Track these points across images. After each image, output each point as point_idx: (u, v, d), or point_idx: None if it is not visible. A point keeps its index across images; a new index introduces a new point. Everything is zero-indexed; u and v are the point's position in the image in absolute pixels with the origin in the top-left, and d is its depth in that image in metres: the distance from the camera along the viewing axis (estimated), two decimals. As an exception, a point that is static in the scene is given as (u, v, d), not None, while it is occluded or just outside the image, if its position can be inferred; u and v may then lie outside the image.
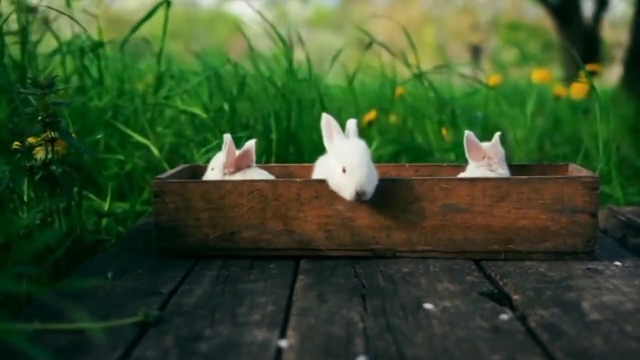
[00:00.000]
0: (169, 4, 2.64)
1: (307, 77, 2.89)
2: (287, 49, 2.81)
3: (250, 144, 1.83)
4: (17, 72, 2.24)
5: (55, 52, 2.57)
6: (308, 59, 2.85)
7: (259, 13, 2.78)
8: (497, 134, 1.78)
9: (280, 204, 1.64)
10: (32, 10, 2.52)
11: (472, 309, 1.28)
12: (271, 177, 1.82)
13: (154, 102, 2.65)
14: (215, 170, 1.82)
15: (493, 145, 1.77)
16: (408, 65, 2.91)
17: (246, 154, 1.81)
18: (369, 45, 2.97)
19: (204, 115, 2.55)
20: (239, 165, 1.81)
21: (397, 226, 1.63)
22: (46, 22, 2.62)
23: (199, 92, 2.83)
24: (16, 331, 1.10)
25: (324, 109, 2.87)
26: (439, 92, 3.01)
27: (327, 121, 1.71)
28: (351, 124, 1.75)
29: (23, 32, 2.31)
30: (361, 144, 1.65)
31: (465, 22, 19.84)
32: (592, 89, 2.22)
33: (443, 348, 1.09)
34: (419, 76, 2.92)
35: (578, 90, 3.59)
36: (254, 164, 1.85)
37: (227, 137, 1.79)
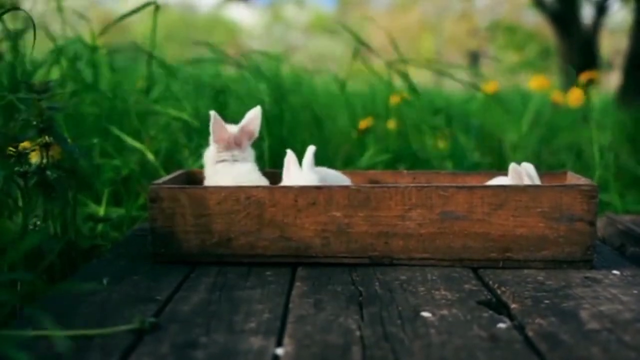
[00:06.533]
0: (157, 7, 2.62)
1: (301, 82, 2.89)
2: (280, 55, 2.81)
3: (256, 111, 1.87)
4: (10, 76, 2.23)
5: (50, 56, 2.56)
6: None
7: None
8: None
9: (277, 211, 1.64)
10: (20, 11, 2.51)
11: (469, 317, 1.27)
12: (256, 175, 1.83)
13: (145, 108, 2.64)
14: (207, 160, 1.86)
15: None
16: (404, 75, 2.91)
17: (252, 123, 1.86)
18: (357, 52, 2.98)
19: (195, 122, 2.54)
20: (239, 141, 1.84)
21: (394, 233, 1.63)
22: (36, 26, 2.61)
23: (191, 98, 2.82)
24: (8, 338, 1.09)
25: (317, 115, 2.87)
26: (435, 98, 3.02)
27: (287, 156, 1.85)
28: (309, 151, 1.84)
29: (15, 35, 2.29)
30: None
31: (464, 28, 19.90)
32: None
33: (441, 357, 1.08)
34: (414, 86, 2.92)
35: (576, 97, 3.59)
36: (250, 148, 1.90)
37: (212, 113, 1.83)
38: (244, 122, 1.86)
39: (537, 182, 1.73)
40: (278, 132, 2.64)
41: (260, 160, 2.48)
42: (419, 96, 2.91)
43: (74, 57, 2.60)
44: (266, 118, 2.55)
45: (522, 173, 1.72)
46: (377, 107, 3.54)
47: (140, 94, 2.75)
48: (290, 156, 1.84)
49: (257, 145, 2.52)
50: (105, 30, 2.57)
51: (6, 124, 1.82)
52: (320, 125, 2.86)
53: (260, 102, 2.61)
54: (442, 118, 2.96)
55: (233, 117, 2.67)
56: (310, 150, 1.83)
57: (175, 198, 1.65)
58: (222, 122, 1.83)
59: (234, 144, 1.84)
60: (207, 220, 1.65)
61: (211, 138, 1.84)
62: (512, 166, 1.74)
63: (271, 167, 2.46)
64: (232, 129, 1.84)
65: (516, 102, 4.49)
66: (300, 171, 1.80)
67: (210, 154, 1.86)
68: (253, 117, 1.87)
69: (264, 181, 1.82)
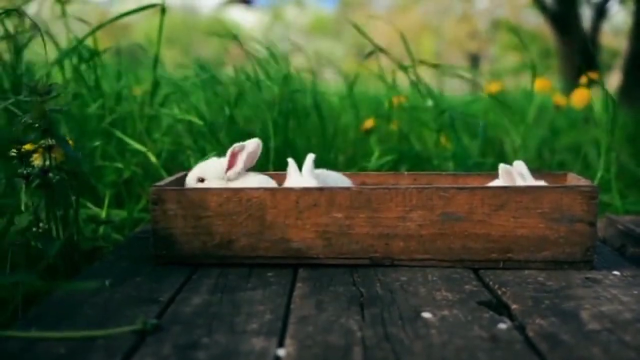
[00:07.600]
0: (164, 9, 2.62)
1: (305, 84, 2.89)
2: (283, 57, 2.81)
3: (255, 143, 1.84)
4: (12, 79, 2.23)
5: (53, 59, 2.56)
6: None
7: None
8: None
9: (279, 212, 1.64)
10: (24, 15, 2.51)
11: (470, 318, 1.28)
12: (272, 181, 1.83)
13: (151, 110, 2.64)
14: (212, 180, 1.81)
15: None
16: (406, 70, 2.91)
17: (251, 156, 1.83)
18: (370, 54, 2.97)
19: (201, 123, 2.55)
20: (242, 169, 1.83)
21: (395, 234, 1.63)
22: (40, 29, 2.61)
23: (196, 100, 2.82)
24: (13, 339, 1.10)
25: (321, 117, 2.87)
26: (437, 99, 3.02)
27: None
28: (308, 158, 1.85)
29: (16, 37, 2.29)
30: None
31: (464, 29, 19.90)
32: (606, 93, 2.21)
33: (441, 357, 1.09)
34: (417, 84, 2.92)
35: (578, 98, 3.59)
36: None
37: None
38: (245, 154, 1.83)
39: (530, 180, 1.74)
40: (283, 134, 2.64)
41: (265, 163, 2.49)
42: (423, 97, 2.91)
43: (78, 59, 2.60)
44: (273, 120, 2.56)
45: (514, 173, 1.73)
46: (380, 108, 3.54)
47: (144, 95, 2.75)
48: (291, 164, 1.86)
49: (263, 146, 2.54)
50: (103, 26, 2.56)
51: (9, 126, 1.83)
52: (325, 126, 2.86)
53: (269, 103, 2.62)
54: (445, 119, 2.96)
55: (236, 123, 2.68)
56: (310, 157, 1.85)
57: (177, 200, 1.65)
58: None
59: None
60: (209, 222, 1.65)
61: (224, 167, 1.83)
62: (502, 167, 1.74)
63: (275, 169, 2.46)
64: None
65: (518, 103, 4.49)
66: (300, 176, 1.81)
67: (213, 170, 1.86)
68: (253, 150, 1.85)
69: (272, 183, 1.82)
